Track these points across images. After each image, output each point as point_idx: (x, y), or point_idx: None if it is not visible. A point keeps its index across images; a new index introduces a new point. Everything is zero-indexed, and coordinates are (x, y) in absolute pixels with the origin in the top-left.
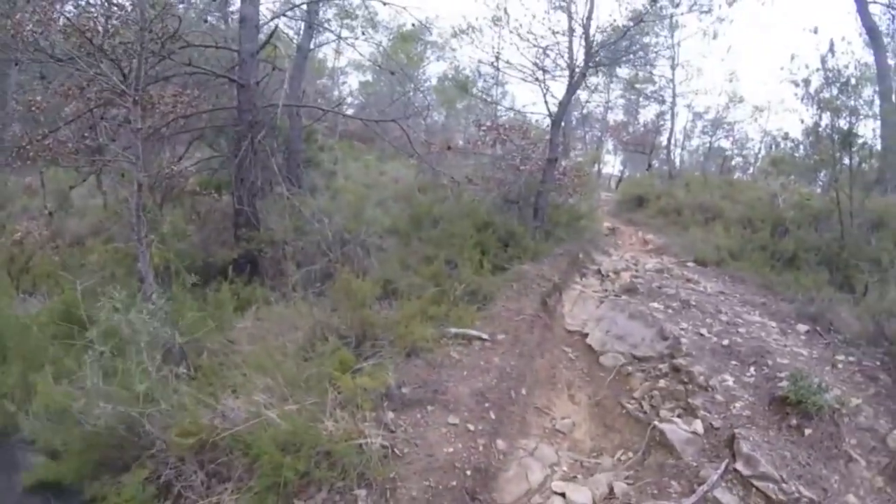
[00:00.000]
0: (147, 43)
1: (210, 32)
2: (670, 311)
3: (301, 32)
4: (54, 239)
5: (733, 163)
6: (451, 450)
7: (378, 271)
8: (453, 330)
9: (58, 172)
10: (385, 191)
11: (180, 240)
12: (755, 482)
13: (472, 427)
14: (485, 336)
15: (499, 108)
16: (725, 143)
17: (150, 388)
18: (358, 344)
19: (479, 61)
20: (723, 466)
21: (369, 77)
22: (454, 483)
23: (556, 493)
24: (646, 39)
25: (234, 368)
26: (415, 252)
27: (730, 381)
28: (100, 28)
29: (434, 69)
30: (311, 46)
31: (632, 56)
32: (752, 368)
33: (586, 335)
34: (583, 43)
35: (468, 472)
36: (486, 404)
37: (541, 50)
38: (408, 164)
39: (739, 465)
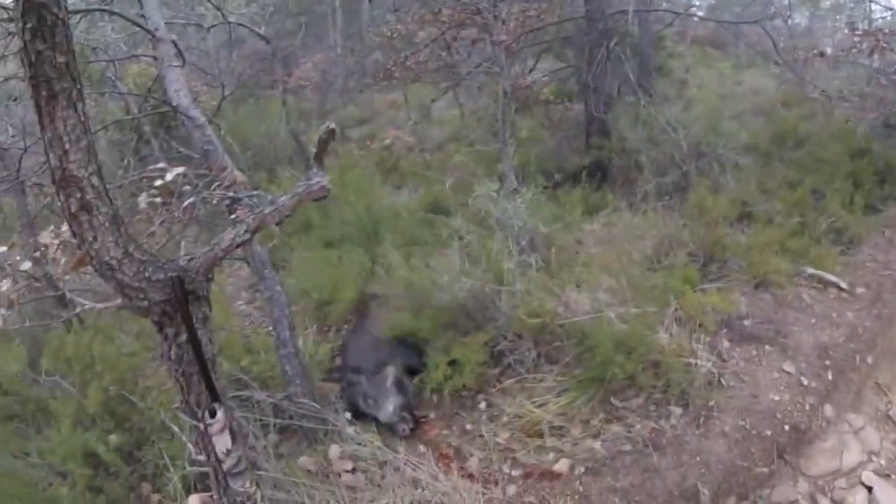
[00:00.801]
0: None
1: None
2: None
3: None
4: (418, 144)
5: None
6: (777, 398)
7: (734, 190)
8: (809, 270)
9: (419, 89)
10: (742, 102)
11: (535, 145)
12: None
13: (805, 382)
14: (843, 285)
15: (873, 7)
16: None
17: (510, 270)
18: (705, 263)
19: None
20: None
21: None
22: (769, 433)
23: (863, 484)
24: None
25: (580, 266)
26: (775, 174)
27: None
28: None
29: None
30: None
31: None
32: None
33: None
34: None
35: (786, 428)
36: (827, 362)
37: None
38: (768, 73)
39: None
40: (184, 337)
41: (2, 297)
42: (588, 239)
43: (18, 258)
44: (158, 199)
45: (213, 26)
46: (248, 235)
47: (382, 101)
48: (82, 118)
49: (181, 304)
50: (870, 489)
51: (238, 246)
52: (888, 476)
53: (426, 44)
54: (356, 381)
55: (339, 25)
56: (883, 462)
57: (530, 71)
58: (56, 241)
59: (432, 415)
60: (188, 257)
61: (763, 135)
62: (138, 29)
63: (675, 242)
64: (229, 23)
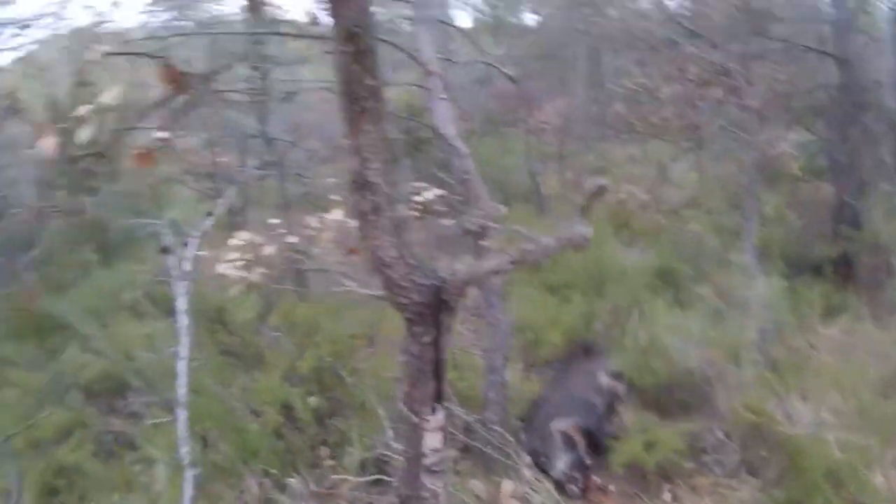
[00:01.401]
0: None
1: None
2: None
3: None
4: (653, 203)
5: None
6: None
7: None
8: None
9: (658, 146)
10: None
11: (779, 225)
12: None
13: None
14: None
15: None
16: None
17: (745, 356)
18: None
19: None
20: None
21: None
22: None
23: None
24: None
25: (810, 373)
26: None
27: None
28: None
29: None
30: None
31: None
32: None
33: None
34: None
35: None
36: None
37: None
38: None
39: None
40: (428, 338)
41: (264, 259)
42: (822, 344)
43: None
44: (416, 213)
45: (466, 63)
46: (510, 265)
47: (620, 154)
48: (382, 134)
49: (436, 309)
50: None
51: (498, 273)
52: None
53: (671, 100)
54: (528, 435)
55: (580, 73)
56: None
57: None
58: (319, 225)
59: (612, 487)
60: (450, 271)
61: None
62: (400, 56)
63: None
64: (481, 62)
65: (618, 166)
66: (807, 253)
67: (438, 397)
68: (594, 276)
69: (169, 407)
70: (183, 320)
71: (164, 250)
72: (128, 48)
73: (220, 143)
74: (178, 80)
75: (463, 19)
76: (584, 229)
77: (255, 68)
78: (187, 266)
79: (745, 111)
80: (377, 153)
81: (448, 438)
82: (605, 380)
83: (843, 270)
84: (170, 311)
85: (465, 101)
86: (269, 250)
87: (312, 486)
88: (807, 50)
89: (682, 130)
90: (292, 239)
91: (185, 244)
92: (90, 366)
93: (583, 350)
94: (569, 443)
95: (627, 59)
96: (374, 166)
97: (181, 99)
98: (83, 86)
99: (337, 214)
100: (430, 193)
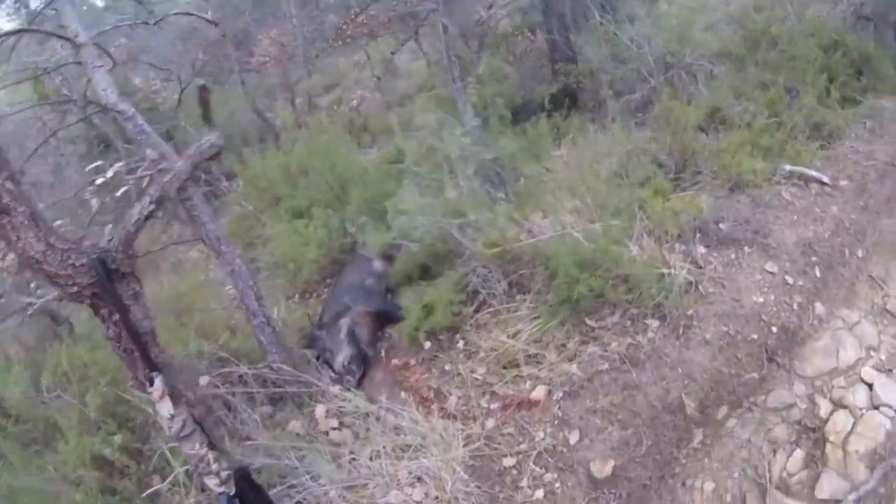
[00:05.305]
0: None
1: None
2: None
3: None
4: (386, 101)
5: None
6: (760, 300)
7: (706, 98)
8: (788, 167)
9: (382, 45)
10: (714, 13)
11: (497, 81)
12: None
13: (790, 280)
14: (825, 179)
15: None
16: None
17: (461, 200)
18: (677, 172)
19: None
20: None
21: None
22: (755, 336)
23: (863, 381)
24: None
25: (546, 193)
26: (749, 78)
27: None
28: None
29: None
30: None
31: None
32: None
33: None
34: None
35: (774, 330)
36: (813, 258)
37: None
38: None
39: None
40: (117, 316)
41: None
42: (556, 165)
43: None
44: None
45: (159, 20)
46: (153, 206)
47: (347, 64)
48: None
49: (106, 282)
50: (871, 386)
51: (147, 218)
52: (889, 371)
53: None
54: (320, 336)
55: None
56: (883, 357)
57: (490, 7)
58: None
59: (412, 361)
60: (107, 239)
61: (735, 41)
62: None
63: (643, 155)
64: (177, 14)
65: (346, 76)
66: (530, 97)
67: (152, 366)
68: (336, 187)
69: None
70: None
71: None
72: None
73: None
74: None
75: None
76: (210, 138)
77: None
78: None
79: None
80: None
81: (183, 400)
82: (377, 264)
83: (567, 101)
84: None
85: (171, 61)
86: None
87: None
88: None
89: (393, 22)
90: None
91: None
92: None
93: (352, 249)
94: (352, 337)
95: None
96: None
97: None
98: None
99: None
100: (111, 171)
